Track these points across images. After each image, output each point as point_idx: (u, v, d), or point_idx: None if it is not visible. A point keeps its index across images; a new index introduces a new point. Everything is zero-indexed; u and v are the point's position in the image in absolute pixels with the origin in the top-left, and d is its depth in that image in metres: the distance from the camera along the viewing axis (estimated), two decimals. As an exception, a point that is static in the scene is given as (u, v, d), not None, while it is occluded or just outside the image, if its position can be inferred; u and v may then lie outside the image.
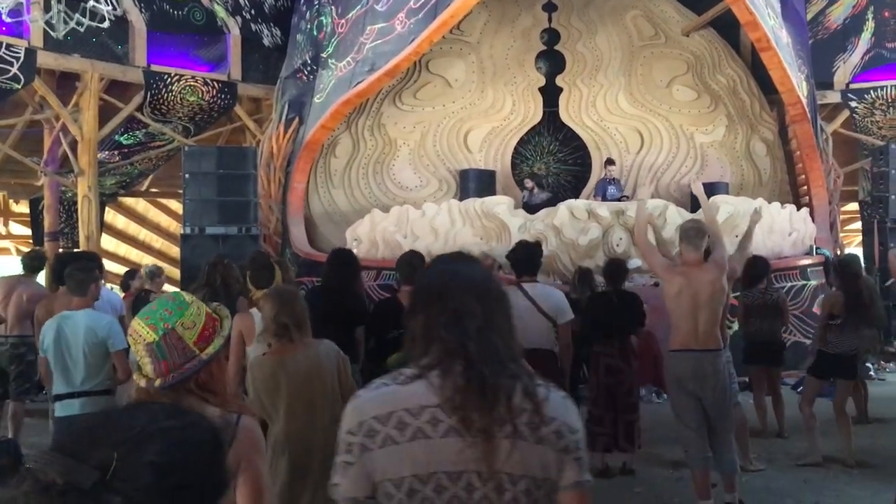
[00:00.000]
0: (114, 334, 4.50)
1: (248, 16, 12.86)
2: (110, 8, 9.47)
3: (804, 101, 11.35)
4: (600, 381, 5.93)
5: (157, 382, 1.95)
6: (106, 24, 9.57)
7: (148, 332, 1.96)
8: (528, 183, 11.68)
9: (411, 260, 5.08)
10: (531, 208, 10.33)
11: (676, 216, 9.34)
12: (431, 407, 1.50)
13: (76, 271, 4.65)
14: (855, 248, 15.16)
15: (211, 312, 2.07)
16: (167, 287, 16.83)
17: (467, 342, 1.53)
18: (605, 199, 10.84)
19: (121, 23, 11.40)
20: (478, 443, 1.48)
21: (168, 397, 1.94)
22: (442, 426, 1.50)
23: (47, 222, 12.70)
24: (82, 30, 9.64)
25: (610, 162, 11.63)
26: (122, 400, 5.34)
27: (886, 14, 13.02)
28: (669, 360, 4.90)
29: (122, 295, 8.26)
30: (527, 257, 5.04)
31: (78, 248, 11.97)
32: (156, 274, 7.92)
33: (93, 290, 4.66)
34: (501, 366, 1.53)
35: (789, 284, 9.45)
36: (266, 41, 13.13)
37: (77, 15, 9.52)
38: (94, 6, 9.32)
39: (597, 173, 12.47)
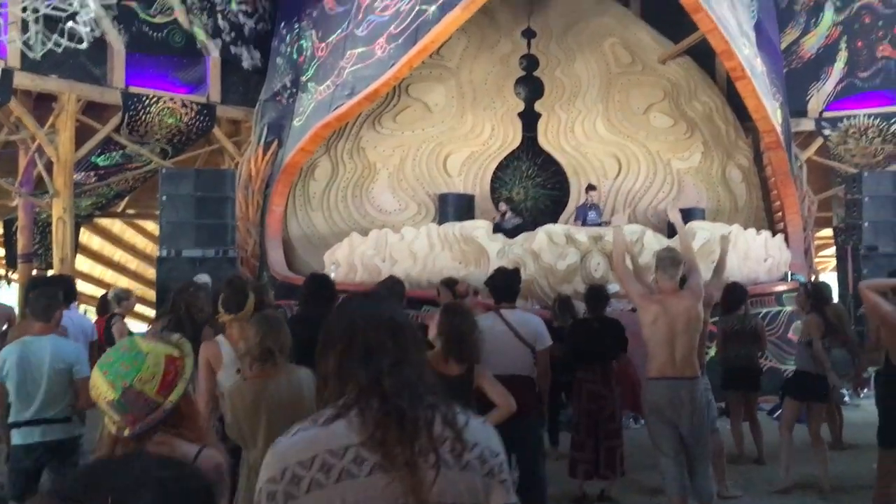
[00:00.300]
0: (81, 361, 4.42)
1: (227, 38, 12.86)
2: (89, 29, 9.43)
3: (778, 128, 11.51)
4: (582, 407, 5.92)
5: (126, 432, 1.94)
6: (84, 45, 9.51)
7: (108, 390, 1.94)
8: (503, 206, 11.71)
9: (392, 286, 5.08)
10: (504, 232, 10.36)
11: (654, 242, 9.41)
12: (354, 446, 1.50)
13: (41, 297, 4.58)
14: (829, 273, 15.33)
15: (171, 354, 2.03)
16: (143, 310, 16.71)
17: (382, 377, 1.55)
18: (585, 224, 10.90)
19: (99, 44, 11.33)
20: (404, 476, 1.48)
21: (138, 444, 1.93)
22: (367, 464, 1.49)
23: (21, 244, 12.54)
24: (60, 50, 9.58)
25: (591, 188, 11.71)
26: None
27: (859, 44, 13.27)
28: (647, 388, 4.90)
29: (94, 319, 8.14)
30: (505, 284, 5.05)
31: (52, 269, 11.84)
32: (123, 297, 7.78)
33: (57, 316, 4.59)
34: (418, 398, 1.55)
35: (765, 310, 9.52)
36: (246, 64, 13.12)
37: (55, 35, 9.47)
38: (72, 27, 9.28)
39: (575, 198, 12.55)
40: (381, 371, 1.55)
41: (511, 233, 10.20)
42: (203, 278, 7.47)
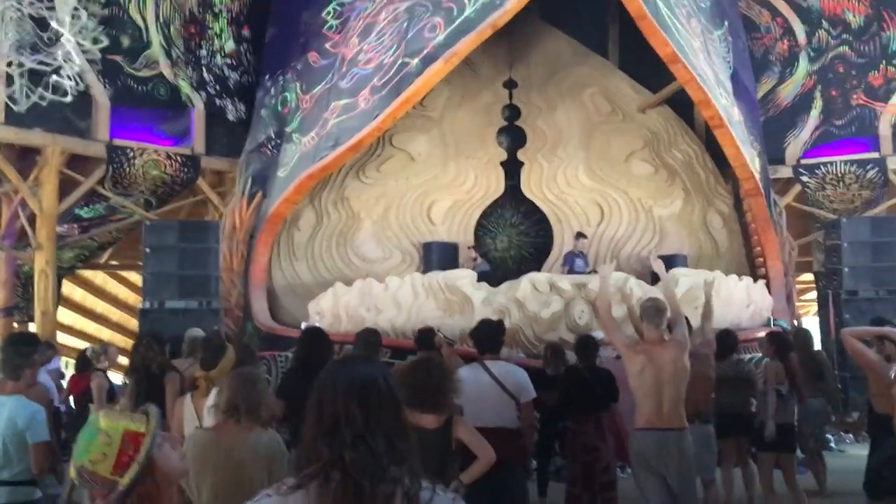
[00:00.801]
0: (34, 425, 4.21)
1: (212, 91, 12.98)
2: (73, 83, 9.51)
3: (757, 175, 11.69)
4: (578, 459, 5.89)
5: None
6: (69, 99, 9.58)
7: (70, 470, 1.95)
8: (472, 253, 11.68)
9: (368, 337, 5.10)
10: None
11: (637, 289, 9.46)
12: None
13: (13, 355, 4.50)
14: (811, 318, 15.43)
15: (132, 429, 1.94)
16: (125, 361, 16.52)
17: (343, 452, 1.55)
18: (572, 270, 10.94)
19: (84, 98, 11.41)
20: None
21: None
22: None
23: (2, 297, 12.42)
24: (45, 104, 9.65)
25: (580, 235, 11.78)
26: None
27: (834, 93, 13.57)
28: (634, 439, 4.89)
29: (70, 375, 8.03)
30: (489, 335, 5.05)
31: (33, 322, 11.73)
32: (100, 353, 7.71)
33: (27, 375, 4.51)
34: (381, 472, 1.55)
35: (748, 356, 9.55)
36: (230, 116, 13.23)
37: (40, 89, 9.55)
38: (56, 80, 9.36)
39: (559, 246, 12.62)
40: (343, 445, 1.55)
41: (478, 279, 10.25)
42: (195, 332, 7.44)
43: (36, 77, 9.70)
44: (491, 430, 4.29)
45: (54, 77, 9.30)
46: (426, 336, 6.93)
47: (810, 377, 7.24)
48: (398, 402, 1.70)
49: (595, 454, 5.82)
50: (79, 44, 9.30)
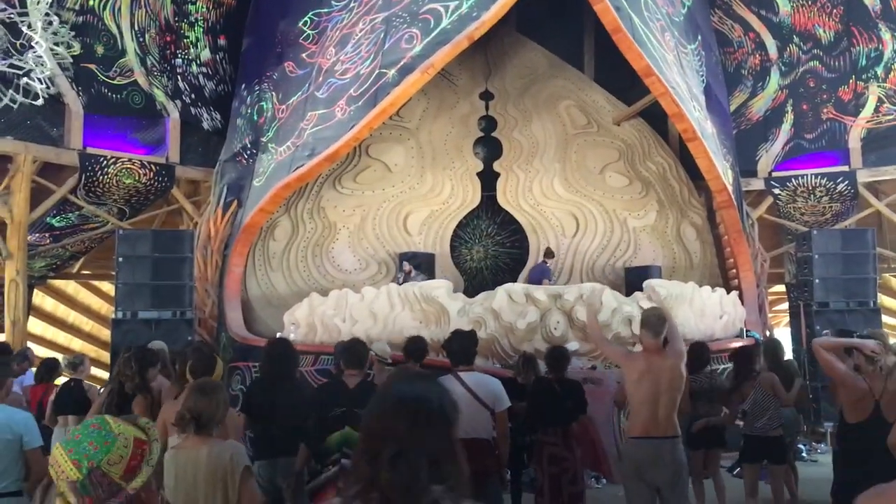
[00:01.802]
0: (30, 430, 4.27)
1: (187, 100, 12.91)
2: (44, 86, 9.43)
3: (730, 188, 11.81)
4: (545, 470, 5.90)
5: None
6: (40, 102, 9.50)
7: (72, 470, 1.88)
8: (406, 266, 11.41)
9: (353, 346, 5.10)
10: None
11: (612, 300, 9.52)
12: None
13: None
14: (783, 328, 15.59)
15: (139, 437, 1.99)
16: (97, 372, 16.32)
17: (380, 472, 1.55)
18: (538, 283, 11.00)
19: (56, 105, 11.32)
20: None
21: None
22: None
23: (-29, 306, 12.25)
24: (16, 106, 9.56)
25: (549, 254, 11.93)
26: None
27: (805, 107, 13.78)
28: (628, 447, 4.88)
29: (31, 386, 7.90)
30: (462, 347, 5.06)
31: (3, 332, 11.56)
32: (78, 364, 7.59)
33: (8, 384, 4.49)
34: (419, 492, 1.54)
35: (721, 367, 9.63)
36: (206, 125, 13.17)
37: (11, 91, 9.45)
38: (27, 83, 9.27)
39: (534, 256, 12.68)
40: (381, 465, 1.54)
41: None
42: (157, 344, 7.35)
43: (7, 82, 9.61)
44: (465, 441, 4.29)
45: (24, 80, 9.22)
46: (416, 346, 6.88)
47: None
48: (449, 423, 1.68)
49: (563, 465, 5.83)
50: (50, 48, 9.23)
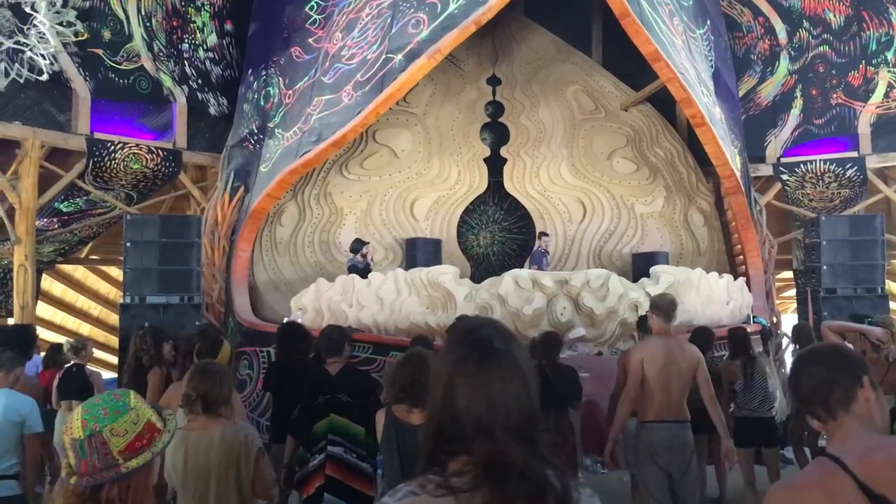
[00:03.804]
0: (33, 415, 4.33)
1: (194, 85, 12.90)
2: (48, 62, 9.45)
3: (738, 174, 11.76)
4: None
5: (73, 480, 1.87)
6: (45, 77, 9.51)
7: (78, 427, 1.88)
8: (366, 249, 11.16)
9: (329, 334, 5.14)
10: (359, 273, 10.40)
11: (618, 286, 9.52)
12: None
13: (5, 352, 4.54)
14: (790, 315, 15.56)
15: (154, 422, 1.98)
16: (106, 356, 16.43)
17: (501, 456, 1.47)
18: (539, 269, 10.99)
19: (64, 91, 11.33)
20: None
21: (78, 501, 1.87)
22: None
23: (-20, 291, 12.33)
24: (22, 80, 9.58)
25: (544, 234, 11.90)
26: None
27: (814, 92, 13.68)
28: (643, 432, 4.90)
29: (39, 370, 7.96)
30: None
31: (12, 317, 11.63)
32: (80, 347, 7.64)
33: (17, 372, 4.54)
34: (542, 484, 1.48)
35: (727, 353, 9.61)
36: (212, 110, 13.16)
37: (16, 65, 9.46)
38: (31, 57, 9.29)
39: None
40: (502, 447, 1.45)
41: (364, 273, 10.33)
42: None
43: (12, 59, 9.61)
44: None
45: (29, 53, 9.24)
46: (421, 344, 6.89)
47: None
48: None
49: (555, 450, 5.83)
50: (54, 27, 9.25)
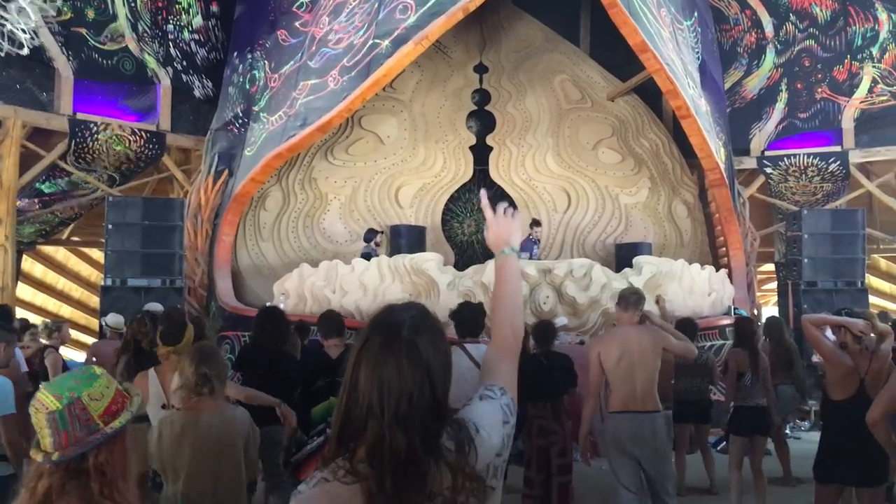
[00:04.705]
0: (4, 397, 4.27)
1: (179, 67, 12.79)
2: (28, 36, 9.35)
3: (722, 166, 11.82)
4: (533, 442, 5.95)
5: (55, 456, 1.86)
6: (25, 52, 9.40)
7: (52, 401, 1.88)
8: (378, 238, 11.39)
9: (329, 317, 5.12)
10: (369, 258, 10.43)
11: (602, 275, 9.55)
12: None
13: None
14: (771, 307, 15.69)
15: (122, 389, 2.01)
16: (87, 339, 16.31)
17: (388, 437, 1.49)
18: (531, 258, 11.00)
19: (46, 70, 11.21)
20: None
21: (61, 477, 1.86)
22: None
23: (-41, 271, 12.19)
24: (2, 54, 9.46)
25: (536, 223, 11.80)
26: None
27: (799, 86, 13.76)
28: (609, 422, 4.96)
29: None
30: (471, 319, 5.02)
31: (-9, 298, 11.53)
32: (54, 329, 7.57)
33: (2, 352, 4.50)
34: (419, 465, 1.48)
35: (709, 344, 9.70)
36: (197, 93, 13.06)
37: (-4, 38, 9.36)
38: (11, 31, 9.18)
39: (526, 231, 12.67)
40: (388, 433, 1.46)
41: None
42: (154, 307, 7.36)
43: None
44: None
45: (9, 26, 9.12)
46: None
47: (780, 364, 7.37)
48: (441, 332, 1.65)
49: (552, 438, 5.88)
50: (34, 1, 9.15)
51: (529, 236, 11.72)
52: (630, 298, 5.07)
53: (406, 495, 1.42)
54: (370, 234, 11.27)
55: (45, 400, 1.89)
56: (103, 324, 8.54)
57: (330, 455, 1.51)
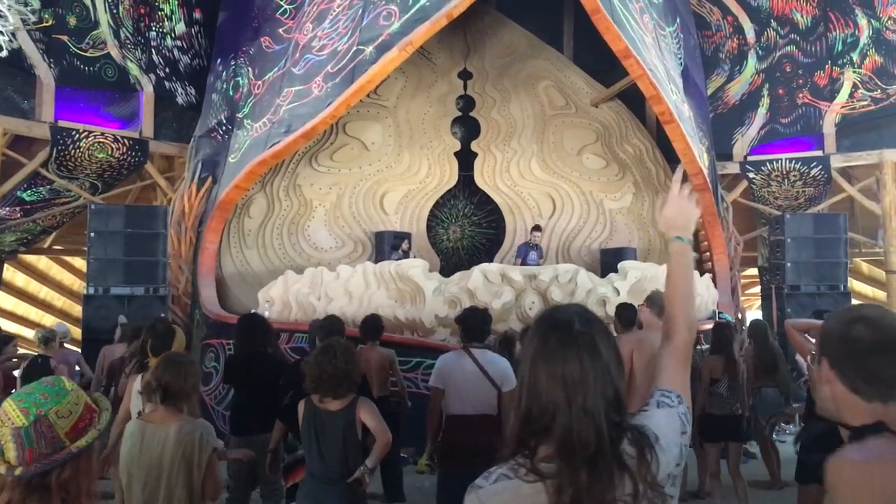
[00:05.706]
0: None
1: (162, 74, 12.73)
2: (7, 39, 9.28)
3: (705, 171, 11.87)
4: None
5: (18, 471, 1.82)
6: (4, 54, 9.33)
7: (18, 416, 1.84)
8: (405, 245, 11.53)
9: (328, 323, 5.08)
10: None
11: (587, 281, 9.55)
12: None
13: None
14: (755, 311, 15.76)
15: (91, 403, 1.97)
16: (67, 347, 16.13)
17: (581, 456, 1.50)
18: (525, 262, 10.99)
19: (27, 78, 11.12)
20: None
21: (22, 492, 1.82)
22: None
23: (-61, 280, 12.08)
24: None
25: (537, 228, 11.80)
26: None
27: (780, 91, 13.86)
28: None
29: None
30: (477, 324, 5.00)
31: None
32: (49, 339, 7.49)
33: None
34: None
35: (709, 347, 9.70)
36: (180, 99, 12.99)
37: (-27, 40, 9.27)
38: None
39: (511, 237, 12.69)
40: (578, 427, 1.49)
41: None
42: (121, 320, 7.32)
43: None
44: (476, 417, 4.37)
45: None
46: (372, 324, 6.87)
47: (765, 368, 7.39)
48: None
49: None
50: (11, 5, 9.08)
51: (528, 241, 11.74)
52: (658, 300, 5.09)
53: (596, 489, 1.44)
54: (396, 242, 11.41)
55: (12, 414, 1.85)
56: (119, 324, 8.61)
57: (508, 453, 1.53)
